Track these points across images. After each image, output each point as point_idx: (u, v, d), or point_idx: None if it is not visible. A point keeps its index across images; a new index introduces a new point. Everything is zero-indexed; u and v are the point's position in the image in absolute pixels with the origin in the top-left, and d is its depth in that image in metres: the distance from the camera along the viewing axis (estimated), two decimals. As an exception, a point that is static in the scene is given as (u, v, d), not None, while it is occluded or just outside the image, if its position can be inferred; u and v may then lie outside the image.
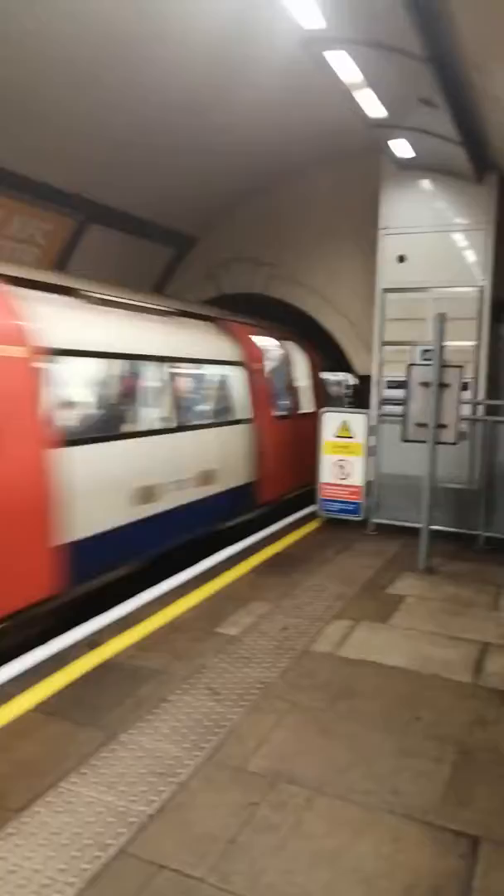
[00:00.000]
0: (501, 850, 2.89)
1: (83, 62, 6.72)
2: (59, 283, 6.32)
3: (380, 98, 6.78)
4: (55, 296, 6.07)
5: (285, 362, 10.12)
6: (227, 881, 2.69)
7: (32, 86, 6.84)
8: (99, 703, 3.93)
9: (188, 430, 7.38)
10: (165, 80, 7.20)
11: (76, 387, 6.40)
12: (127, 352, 6.77)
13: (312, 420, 8.41)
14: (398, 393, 7.55)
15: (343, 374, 12.80)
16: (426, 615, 5.48)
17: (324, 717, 3.88)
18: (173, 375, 7.37)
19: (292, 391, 10.10)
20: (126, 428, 6.79)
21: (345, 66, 6.17)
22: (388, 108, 6.97)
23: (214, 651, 4.66)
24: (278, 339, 10.09)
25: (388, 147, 8.13)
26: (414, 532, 6.97)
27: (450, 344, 6.82)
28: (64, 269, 9.18)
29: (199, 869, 2.74)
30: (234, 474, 8.18)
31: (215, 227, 11.21)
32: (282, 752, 3.53)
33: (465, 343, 8.27)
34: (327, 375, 12.46)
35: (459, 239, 8.54)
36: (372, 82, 6.46)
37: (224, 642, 4.81)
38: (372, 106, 6.95)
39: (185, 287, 11.30)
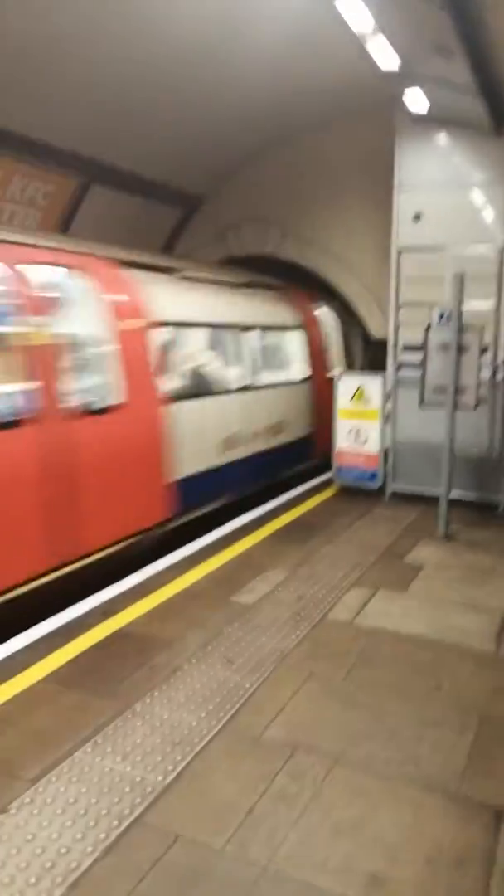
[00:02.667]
0: (525, 822, 2.83)
1: (88, 17, 6.49)
2: (158, 264, 7.56)
3: (393, 46, 6.49)
4: (157, 274, 7.20)
5: (331, 326, 10.84)
6: (244, 851, 2.65)
7: (31, 40, 6.61)
8: (113, 673, 3.89)
9: (262, 389, 8.49)
10: (171, 32, 6.94)
11: (177, 352, 7.42)
12: (213, 321, 7.95)
13: None
14: (414, 356, 7.36)
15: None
16: (446, 583, 5.39)
17: (342, 687, 3.81)
18: (249, 340, 8.42)
19: (335, 352, 10.93)
20: (215, 387, 7.77)
21: (356, 12, 5.90)
22: (401, 58, 6.68)
23: (230, 620, 4.60)
24: (324, 304, 10.80)
25: (402, 100, 7.83)
26: (432, 500, 6.86)
27: (468, 305, 6.62)
28: (66, 231, 8.99)
29: (216, 839, 2.70)
30: (297, 427, 9.29)
31: (224, 187, 10.94)
32: (300, 722, 3.47)
33: (483, 303, 8.02)
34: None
35: (477, 195, 8.24)
36: (384, 29, 6.18)
37: (240, 611, 4.75)
38: (384, 55, 6.66)
39: (193, 249, 11.07)
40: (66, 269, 5.89)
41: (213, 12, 6.73)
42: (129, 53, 7.16)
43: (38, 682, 3.80)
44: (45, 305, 5.42)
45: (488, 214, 8.24)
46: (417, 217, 8.47)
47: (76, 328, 5.82)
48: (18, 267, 5.27)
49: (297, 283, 10.77)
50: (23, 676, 3.85)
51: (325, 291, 11.03)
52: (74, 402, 5.41)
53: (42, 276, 5.54)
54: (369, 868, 2.58)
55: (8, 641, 4.23)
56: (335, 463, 8.19)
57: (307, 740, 3.32)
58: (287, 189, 10.58)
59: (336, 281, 10.81)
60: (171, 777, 3.06)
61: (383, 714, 3.56)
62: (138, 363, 6.14)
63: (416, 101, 7.74)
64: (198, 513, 7.13)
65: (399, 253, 8.49)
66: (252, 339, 8.48)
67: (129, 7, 6.50)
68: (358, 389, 7.91)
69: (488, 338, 7.87)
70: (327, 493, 8.13)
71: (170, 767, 3.12)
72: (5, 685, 3.76)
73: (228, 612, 4.74)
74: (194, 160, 9.89)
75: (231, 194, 10.96)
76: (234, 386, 8.03)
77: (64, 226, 9.03)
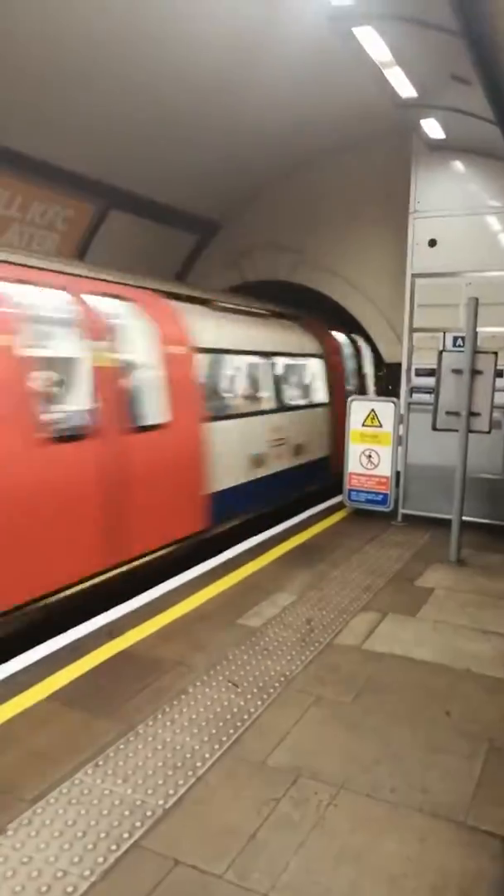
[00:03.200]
0: (535, 854, 2.74)
1: (106, 43, 6.63)
2: (196, 296, 8.29)
3: (410, 76, 6.56)
4: (195, 305, 7.85)
5: (352, 354, 11.58)
6: (245, 878, 2.58)
7: (52, 68, 6.76)
8: (117, 694, 3.85)
9: (286, 410, 9.12)
10: (189, 61, 7.07)
11: (213, 375, 8.27)
12: (244, 348, 8.58)
13: None
14: (428, 381, 7.35)
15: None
16: (456, 608, 5.30)
17: (348, 712, 3.74)
18: (274, 366, 9.08)
19: (357, 378, 11.79)
20: (246, 408, 8.45)
21: (373, 42, 5.98)
22: (418, 87, 6.75)
23: (236, 643, 4.55)
24: (345, 333, 11.47)
25: (419, 128, 7.90)
26: (444, 523, 6.78)
27: (483, 330, 6.60)
28: (83, 256, 9.11)
29: (217, 865, 2.64)
30: (317, 448, 9.83)
31: (239, 214, 11.06)
32: (304, 747, 3.40)
33: (499, 329, 8.01)
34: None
35: (493, 221, 8.26)
36: (401, 60, 6.25)
37: (246, 634, 4.70)
38: (402, 85, 6.74)
39: (207, 274, 11.17)
40: (122, 300, 6.47)
41: (230, 39, 6.85)
42: (147, 81, 7.30)
43: (41, 702, 3.76)
44: (106, 332, 5.92)
45: (503, 241, 8.26)
46: (433, 243, 8.50)
47: (131, 353, 6.37)
48: (84, 296, 5.86)
49: (311, 308, 10.84)
50: (25, 696, 3.81)
51: (338, 316, 11.08)
52: (129, 419, 5.95)
53: (103, 305, 6.09)
54: (373, 899, 2.50)
55: (11, 661, 4.20)
56: (346, 486, 8.14)
57: (312, 766, 3.25)
58: (302, 215, 10.68)
59: (350, 306, 10.86)
60: (172, 801, 3.00)
61: (390, 740, 3.48)
62: (183, 385, 6.79)
63: (432, 128, 7.81)
64: (226, 526, 7.63)
65: (413, 278, 8.53)
66: (276, 365, 9.17)
67: (146, 36, 6.64)
68: (370, 413, 7.89)
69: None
70: (338, 516, 8.08)
71: (171, 791, 3.06)
72: (8, 704, 3.72)
73: (235, 634, 4.68)
74: (210, 186, 10.02)
75: (246, 220, 11.08)
76: (261, 408, 8.69)
77: (82, 249, 9.17)
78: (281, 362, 9.37)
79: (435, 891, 2.54)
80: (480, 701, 3.89)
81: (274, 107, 8.26)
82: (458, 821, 2.91)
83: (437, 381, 6.47)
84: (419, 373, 8.39)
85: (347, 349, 11.51)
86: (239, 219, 11.12)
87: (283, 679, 4.07)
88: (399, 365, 8.83)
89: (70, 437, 5.33)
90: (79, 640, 4.51)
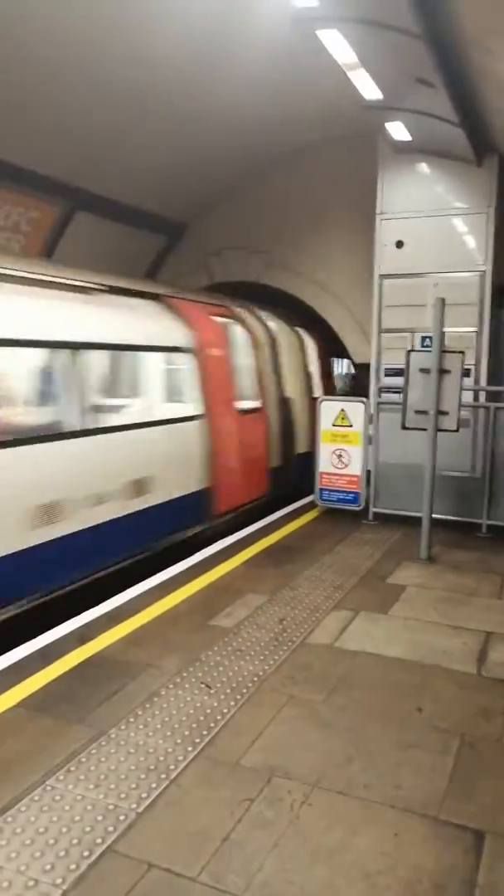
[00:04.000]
0: (507, 845, 2.77)
1: (68, 44, 6.56)
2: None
3: (374, 79, 6.60)
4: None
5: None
6: (220, 880, 2.57)
7: (16, 70, 6.68)
8: (88, 699, 3.80)
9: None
10: (154, 61, 7.03)
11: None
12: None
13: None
14: (397, 381, 7.41)
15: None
16: (427, 605, 5.35)
17: (322, 711, 3.75)
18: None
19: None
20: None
21: (338, 45, 6.00)
22: (383, 90, 6.80)
23: (208, 644, 4.53)
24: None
25: (384, 130, 7.96)
26: (414, 521, 6.84)
27: (450, 330, 6.67)
28: (49, 257, 9.02)
29: (191, 868, 2.62)
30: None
31: (207, 215, 11.03)
32: (278, 747, 3.40)
33: (465, 329, 8.10)
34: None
35: (459, 223, 8.35)
36: (366, 62, 6.29)
37: (218, 635, 4.68)
38: (366, 87, 6.77)
39: (177, 276, 11.12)
40: (229, 318, 8.73)
41: (194, 41, 6.83)
42: (113, 83, 7.24)
43: (10, 709, 3.71)
44: (225, 342, 8.26)
45: (469, 242, 8.34)
46: (400, 244, 8.57)
47: (238, 359, 8.56)
48: (211, 317, 8.21)
49: (284, 309, 10.86)
50: (-5, 702, 3.75)
51: (310, 317, 11.11)
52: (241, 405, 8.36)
53: (220, 323, 8.35)
54: (349, 895, 2.50)
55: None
56: (318, 485, 8.17)
57: (285, 765, 3.25)
58: (270, 216, 10.68)
59: (319, 307, 10.89)
60: (146, 804, 2.97)
61: (363, 738, 3.49)
62: (265, 380, 9.21)
63: (398, 130, 7.87)
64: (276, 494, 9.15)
65: (381, 279, 8.59)
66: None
67: (113, 36, 6.59)
68: (340, 413, 7.93)
69: (470, 361, 7.98)
70: (310, 516, 8.10)
71: (144, 795, 3.03)
72: (-23, 711, 3.66)
73: (207, 636, 4.66)
74: (178, 188, 9.98)
75: (215, 222, 11.05)
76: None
77: (48, 251, 9.06)
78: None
79: (409, 886, 2.55)
80: (452, 697, 3.93)
81: (240, 108, 8.25)
82: (431, 815, 2.93)
83: (406, 381, 6.52)
84: (388, 372, 8.45)
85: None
86: (207, 220, 11.09)
87: (256, 679, 4.06)
88: (369, 365, 8.89)
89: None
90: (49, 645, 4.45)
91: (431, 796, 3.05)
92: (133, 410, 7.08)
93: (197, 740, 3.43)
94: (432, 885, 2.56)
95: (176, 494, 7.04)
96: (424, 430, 6.42)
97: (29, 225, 8.59)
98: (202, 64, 7.25)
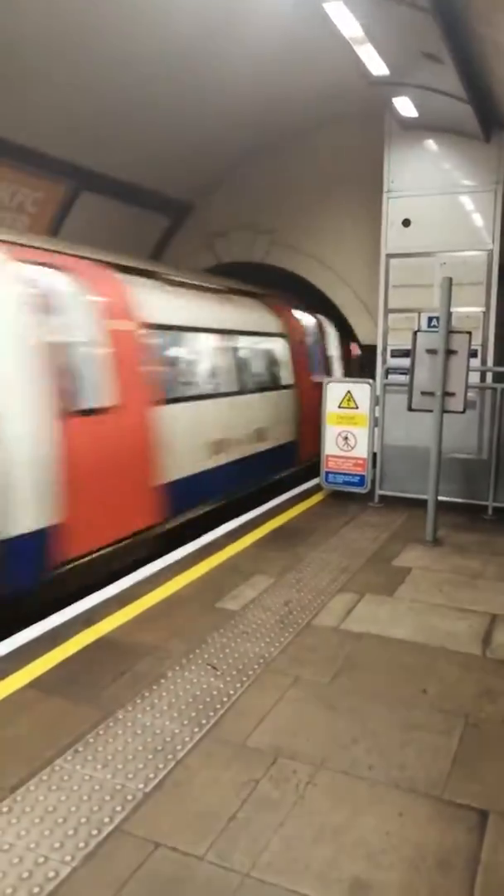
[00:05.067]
0: (510, 825, 2.79)
1: (72, 23, 6.48)
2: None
3: (381, 53, 6.50)
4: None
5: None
6: (226, 859, 2.60)
7: (20, 47, 6.60)
8: (95, 680, 3.84)
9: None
10: (158, 39, 6.95)
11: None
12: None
13: None
14: (403, 362, 7.38)
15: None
16: (433, 587, 5.36)
17: (327, 692, 3.78)
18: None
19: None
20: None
21: (344, 18, 5.90)
22: (390, 65, 6.69)
23: (214, 626, 4.56)
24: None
25: (391, 106, 7.85)
26: (420, 504, 6.84)
27: (457, 310, 6.62)
28: (55, 237, 8.98)
29: (197, 847, 2.66)
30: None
31: (213, 194, 10.94)
32: (284, 728, 3.43)
33: (473, 309, 8.05)
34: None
35: (467, 201, 8.27)
36: (373, 36, 6.19)
37: (224, 617, 4.71)
38: (373, 62, 6.67)
39: (182, 256, 11.05)
40: (308, 313, 10.60)
41: (200, 19, 6.74)
42: (117, 60, 7.16)
43: (19, 690, 3.75)
44: (302, 329, 10.35)
45: (477, 220, 8.27)
46: (407, 223, 8.49)
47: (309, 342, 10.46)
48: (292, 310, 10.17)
49: (287, 290, 10.79)
50: (4, 684, 3.79)
51: (314, 298, 11.04)
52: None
53: (298, 315, 10.41)
54: (353, 873, 2.54)
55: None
56: (323, 468, 8.17)
57: (291, 746, 3.28)
58: (275, 196, 10.59)
59: (324, 287, 10.82)
60: (153, 785, 3.01)
61: (368, 718, 3.52)
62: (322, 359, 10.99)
63: (405, 106, 7.76)
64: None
65: (388, 259, 8.52)
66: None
67: (116, 14, 6.50)
68: (346, 395, 7.90)
69: (477, 341, 7.93)
70: (315, 499, 8.11)
71: (151, 775, 3.07)
72: (-14, 692, 3.71)
73: (213, 618, 4.69)
74: (183, 168, 9.90)
75: (219, 202, 10.96)
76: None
77: (53, 231, 9.02)
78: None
79: (413, 864, 2.59)
80: (456, 678, 3.95)
81: (245, 86, 8.15)
82: (434, 795, 2.96)
83: (412, 362, 6.48)
84: (395, 354, 8.42)
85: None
86: (212, 200, 11.00)
87: (261, 661, 4.09)
88: (374, 346, 8.85)
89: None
90: (57, 627, 4.49)
91: (436, 776, 3.08)
92: (256, 379, 9.13)
93: (203, 721, 3.47)
94: (436, 864, 2.59)
95: (280, 442, 9.31)
96: (430, 411, 6.40)
97: (34, 205, 8.55)
98: (207, 41, 7.16)
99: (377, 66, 6.74)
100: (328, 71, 7.63)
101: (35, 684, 3.81)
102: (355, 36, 6.20)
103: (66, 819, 2.80)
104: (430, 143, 8.38)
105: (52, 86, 7.27)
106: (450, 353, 6.28)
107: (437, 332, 6.37)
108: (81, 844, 2.67)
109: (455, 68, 6.30)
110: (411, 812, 2.86)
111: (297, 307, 10.72)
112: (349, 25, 5.99)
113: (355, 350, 12.33)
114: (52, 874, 2.52)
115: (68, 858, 2.60)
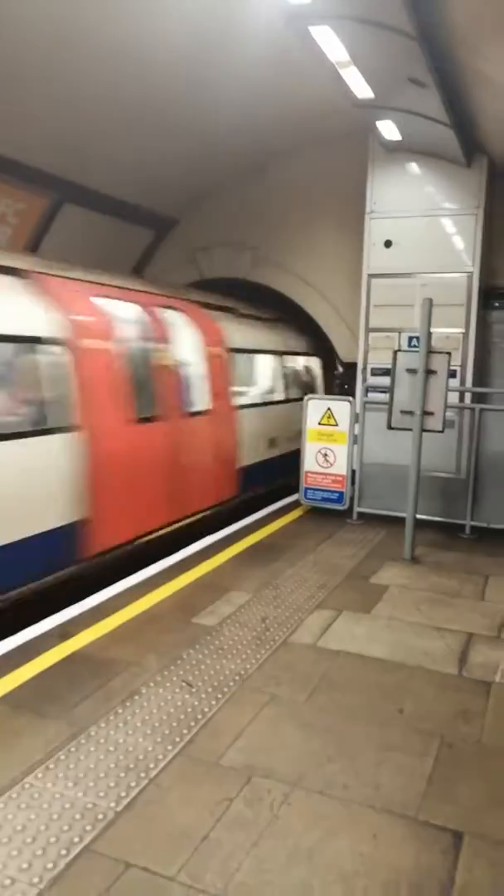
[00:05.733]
0: (484, 845, 2.79)
1: (61, 37, 6.49)
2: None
3: (366, 77, 6.59)
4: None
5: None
6: (198, 880, 2.56)
7: (6, 61, 6.60)
8: (68, 696, 3.78)
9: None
10: (145, 54, 6.98)
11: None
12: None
13: None
14: (384, 380, 7.43)
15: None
16: (410, 605, 5.36)
17: (303, 710, 3.75)
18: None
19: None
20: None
21: (330, 42, 5.99)
22: (374, 88, 6.79)
23: (190, 642, 4.51)
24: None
25: (375, 129, 7.96)
26: (399, 521, 6.86)
27: (437, 331, 6.69)
28: (36, 249, 8.94)
29: (169, 867, 2.61)
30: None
31: (197, 210, 10.96)
32: (258, 746, 3.40)
33: (453, 330, 8.14)
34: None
35: (448, 224, 8.38)
36: (358, 60, 6.28)
37: (201, 633, 4.67)
38: (358, 85, 6.76)
39: (165, 271, 11.05)
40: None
41: (188, 36, 6.79)
42: (103, 74, 7.18)
43: (-10, 705, 3.68)
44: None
45: (458, 243, 8.37)
46: (388, 244, 8.58)
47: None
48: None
49: (270, 306, 10.85)
50: (-26, 698, 3.72)
51: (299, 316, 11.10)
52: None
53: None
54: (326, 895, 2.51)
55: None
56: (302, 484, 8.17)
57: (266, 765, 3.24)
58: (259, 213, 10.65)
59: (307, 305, 10.87)
60: (124, 803, 2.96)
61: (344, 738, 3.50)
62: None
63: (389, 130, 7.87)
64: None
65: (369, 278, 8.60)
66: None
67: (104, 28, 6.53)
68: (326, 412, 7.93)
69: (457, 362, 8.02)
70: (294, 515, 8.10)
71: (123, 793, 3.02)
72: (-45, 707, 3.63)
73: (189, 634, 4.65)
74: (167, 182, 9.92)
75: (203, 217, 10.99)
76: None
77: (35, 243, 8.98)
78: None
79: (387, 887, 2.56)
80: (433, 698, 3.94)
81: (233, 105, 8.21)
82: (410, 816, 2.94)
83: (392, 381, 6.53)
84: (375, 372, 8.47)
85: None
86: (196, 215, 11.03)
87: (237, 678, 4.05)
88: (355, 364, 8.90)
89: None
90: (29, 641, 4.42)
91: (411, 797, 3.06)
92: (295, 390, 10.63)
93: (177, 739, 3.42)
94: (410, 886, 2.56)
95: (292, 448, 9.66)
96: (410, 430, 6.44)
97: (16, 216, 8.51)
98: (196, 60, 7.20)
99: (362, 90, 6.83)
100: (314, 93, 7.71)
101: (6, 700, 3.73)
102: (341, 59, 6.28)
103: (34, 838, 2.74)
104: (413, 166, 8.49)
105: (37, 99, 7.26)
106: (429, 372, 6.34)
107: (417, 351, 6.43)
108: (50, 865, 2.61)
109: (438, 93, 6.41)
110: (386, 833, 2.84)
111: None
112: (335, 49, 6.08)
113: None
114: (18, 896, 2.46)
115: (36, 880, 2.54)
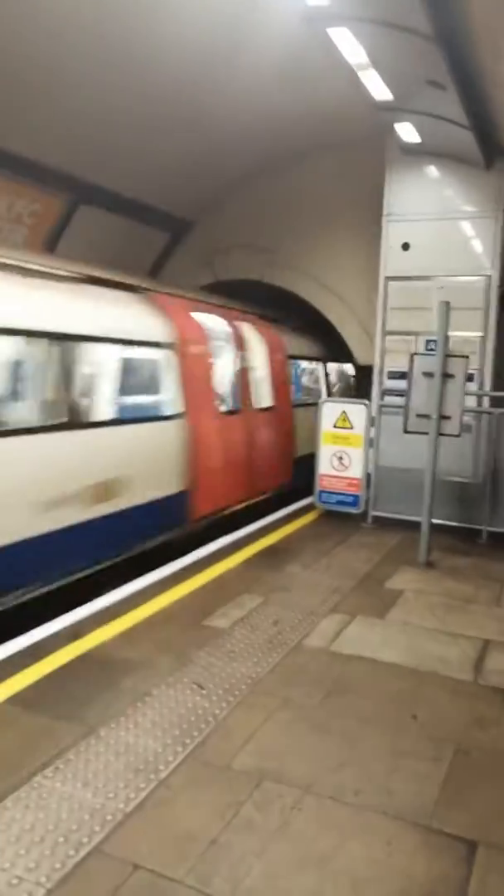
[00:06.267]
0: (499, 855, 2.72)
1: (77, 37, 6.53)
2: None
3: (385, 79, 6.58)
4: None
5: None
6: (206, 884, 2.52)
7: (24, 60, 6.65)
8: (79, 696, 3.76)
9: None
10: (163, 56, 7.01)
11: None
12: None
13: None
14: (400, 383, 7.38)
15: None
16: (425, 610, 5.30)
17: (315, 715, 3.70)
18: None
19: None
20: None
21: (349, 44, 5.97)
22: (393, 91, 6.78)
23: (202, 644, 4.48)
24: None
25: (393, 131, 7.93)
26: (414, 526, 6.79)
27: (455, 334, 6.63)
28: (53, 250, 8.98)
29: (177, 870, 2.58)
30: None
31: (213, 213, 10.98)
32: (270, 750, 3.35)
33: (471, 333, 8.08)
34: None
35: (466, 227, 8.33)
36: (377, 62, 6.27)
37: (212, 635, 4.63)
38: (377, 88, 6.75)
39: (181, 273, 11.07)
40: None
41: (205, 37, 6.80)
42: (121, 78, 7.22)
43: (0, 705, 3.66)
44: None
45: (477, 246, 8.32)
46: (406, 246, 8.54)
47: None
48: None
49: (286, 310, 10.85)
50: (-16, 697, 3.71)
51: (313, 318, 11.09)
52: None
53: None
54: (336, 904, 2.46)
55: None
56: (317, 487, 8.13)
57: (277, 769, 3.20)
58: (276, 216, 10.65)
59: (323, 307, 10.86)
60: (133, 805, 2.93)
61: (356, 743, 3.45)
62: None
63: (407, 132, 7.84)
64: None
65: (386, 281, 8.56)
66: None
67: (121, 32, 6.56)
68: (341, 415, 7.89)
69: (475, 366, 7.95)
70: (309, 518, 8.06)
71: (132, 795, 2.99)
72: (-34, 706, 3.62)
73: (201, 636, 4.62)
74: (183, 184, 9.95)
75: (220, 220, 11.01)
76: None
77: (51, 244, 9.03)
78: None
79: (399, 895, 2.51)
80: (447, 704, 3.88)
81: (249, 107, 8.22)
82: (423, 824, 2.88)
83: (409, 384, 6.48)
84: (391, 375, 8.42)
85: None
86: (213, 217, 11.05)
87: (249, 681, 4.02)
88: (371, 367, 8.85)
89: None
90: (41, 641, 4.41)
91: (424, 804, 3.00)
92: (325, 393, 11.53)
93: (187, 741, 3.39)
94: (423, 895, 2.51)
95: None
96: (426, 434, 6.38)
97: (32, 217, 8.56)
98: (213, 60, 7.23)
99: (381, 92, 6.82)
100: (332, 95, 7.71)
101: (17, 699, 3.72)
102: (360, 62, 6.27)
103: (43, 838, 2.72)
104: (431, 169, 8.45)
105: (55, 100, 7.31)
106: (447, 376, 6.28)
107: (434, 355, 6.37)
108: (58, 865, 2.59)
109: (458, 95, 6.38)
110: (399, 841, 2.78)
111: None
112: (354, 51, 6.07)
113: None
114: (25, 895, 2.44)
115: (43, 880, 2.52)
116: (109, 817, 2.85)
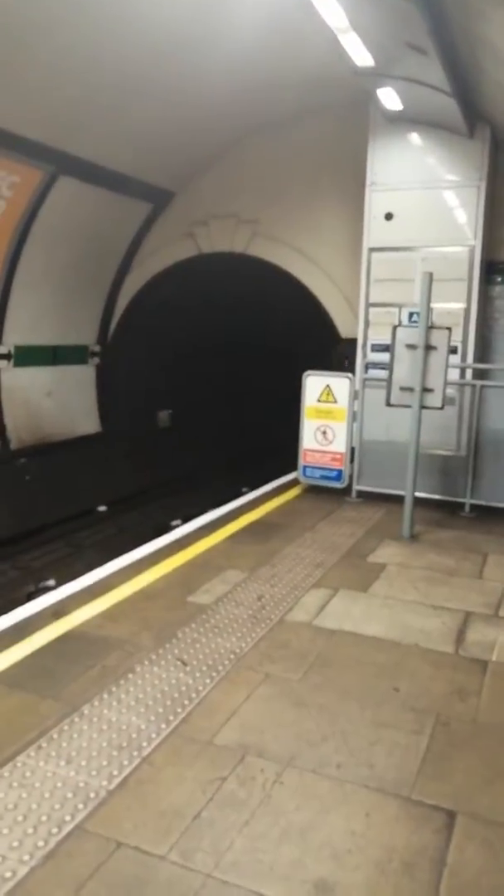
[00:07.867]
0: (477, 824, 2.78)
1: (56, 4, 6.33)
2: None
3: (366, 44, 6.42)
4: None
5: None
6: (189, 858, 2.55)
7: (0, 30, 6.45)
8: (62, 674, 3.76)
9: None
10: (142, 22, 6.81)
11: None
12: None
13: None
14: (384, 356, 7.33)
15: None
16: (408, 584, 5.34)
17: (297, 689, 3.73)
18: None
19: None
20: None
21: (329, 7, 5.81)
22: (374, 56, 6.61)
23: (185, 620, 4.49)
24: None
25: (376, 98, 7.78)
26: (398, 499, 6.81)
27: (438, 306, 6.58)
28: (32, 222, 8.81)
29: (160, 846, 2.60)
30: None
31: (194, 183, 10.77)
32: (252, 725, 3.38)
33: (454, 305, 8.03)
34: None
35: (450, 196, 8.22)
36: (357, 26, 6.10)
37: (196, 611, 4.64)
38: (358, 53, 6.59)
39: (162, 244, 10.89)
40: None
41: (185, 5, 6.62)
42: (98, 44, 7.02)
43: (-17, 684, 3.66)
44: None
45: (460, 216, 8.22)
46: (389, 217, 8.43)
47: None
48: None
49: (269, 281, 10.70)
50: (-34, 677, 3.70)
51: (296, 290, 10.96)
52: None
53: None
54: (318, 874, 2.50)
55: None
56: (301, 462, 8.12)
57: (259, 744, 3.23)
58: (257, 185, 10.45)
59: (306, 279, 10.72)
60: (116, 782, 2.95)
61: (338, 716, 3.48)
62: None
63: (390, 98, 7.69)
64: None
65: (370, 252, 8.47)
66: None
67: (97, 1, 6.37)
68: (325, 388, 7.85)
69: (458, 338, 7.92)
70: (292, 493, 8.06)
71: (115, 772, 3.00)
72: None
73: (185, 612, 4.63)
74: (164, 154, 9.75)
75: (201, 189, 10.80)
76: None
77: (30, 216, 8.85)
78: None
79: (379, 865, 2.55)
80: (428, 676, 3.92)
81: (229, 73, 8.03)
82: (403, 795, 2.92)
83: (392, 357, 6.44)
84: (375, 348, 8.37)
85: None
86: (194, 188, 10.84)
87: (232, 656, 4.03)
88: (355, 340, 8.79)
89: None
90: (23, 620, 4.40)
91: (404, 776, 3.04)
92: None
93: (171, 718, 3.41)
94: (402, 865, 2.55)
95: None
96: (409, 407, 6.37)
97: (10, 189, 8.38)
98: (191, 28, 7.03)
99: (362, 57, 6.65)
100: (313, 60, 7.53)
101: (-1, 678, 3.72)
102: (340, 25, 6.11)
103: (26, 817, 2.73)
104: (414, 137, 8.32)
105: (33, 68, 7.11)
106: (429, 348, 6.24)
107: (416, 327, 6.33)
108: (41, 843, 2.60)
109: (440, 60, 6.24)
110: (379, 812, 2.82)
111: None
112: (334, 14, 5.90)
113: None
114: (9, 874, 2.46)
115: (26, 857, 2.53)
116: (93, 795, 2.87)
